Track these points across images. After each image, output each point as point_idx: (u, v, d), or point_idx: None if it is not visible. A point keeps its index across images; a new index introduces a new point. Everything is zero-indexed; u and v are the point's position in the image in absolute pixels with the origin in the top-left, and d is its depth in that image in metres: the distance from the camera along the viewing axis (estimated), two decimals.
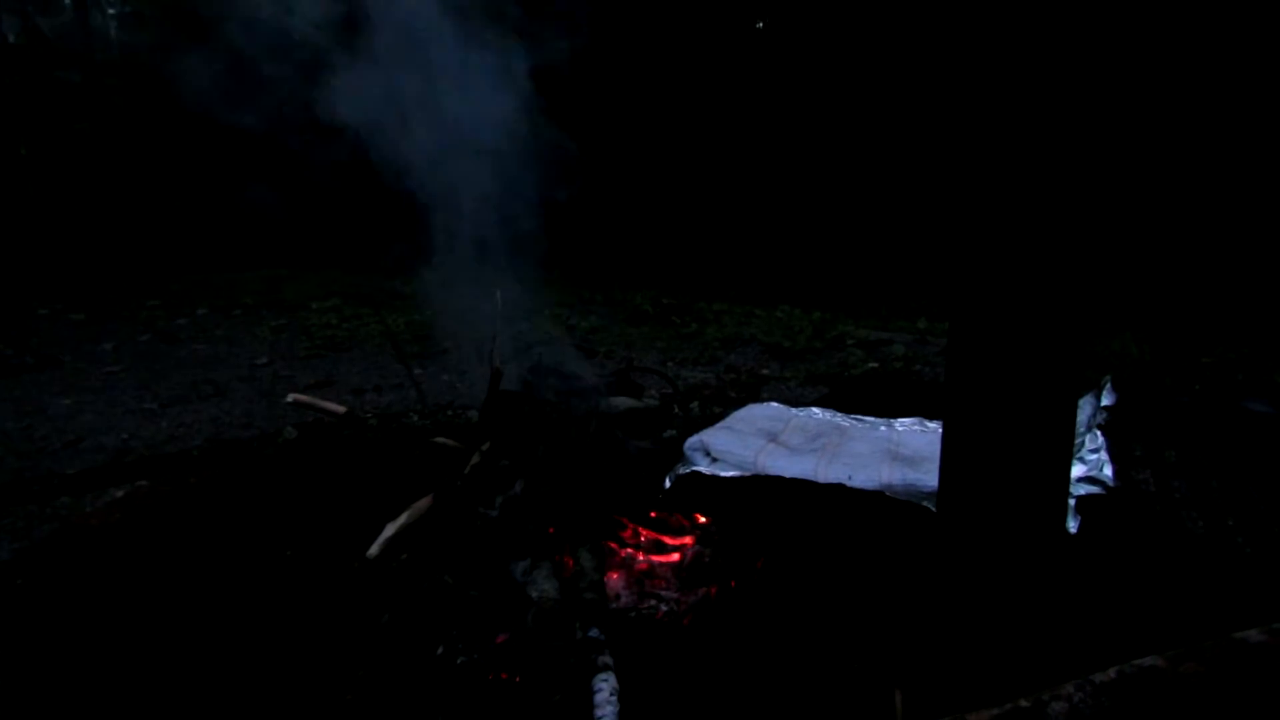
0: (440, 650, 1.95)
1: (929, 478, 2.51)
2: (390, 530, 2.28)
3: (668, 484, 2.61)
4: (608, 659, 1.84)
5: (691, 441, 2.80)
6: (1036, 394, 1.53)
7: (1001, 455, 1.57)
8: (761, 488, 2.53)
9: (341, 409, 2.70)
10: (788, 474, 2.56)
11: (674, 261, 9.47)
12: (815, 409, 3.40)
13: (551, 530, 2.32)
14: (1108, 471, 2.42)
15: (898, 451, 2.87)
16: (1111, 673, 1.43)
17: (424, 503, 2.37)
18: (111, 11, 13.62)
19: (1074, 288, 1.49)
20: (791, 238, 9.46)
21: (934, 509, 2.29)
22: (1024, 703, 1.33)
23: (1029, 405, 1.54)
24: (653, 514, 2.51)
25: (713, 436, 2.85)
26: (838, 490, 2.48)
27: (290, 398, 2.59)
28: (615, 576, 2.28)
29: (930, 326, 6.64)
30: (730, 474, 2.56)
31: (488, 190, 2.95)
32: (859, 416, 3.33)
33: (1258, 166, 6.72)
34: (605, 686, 1.75)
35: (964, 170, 1.53)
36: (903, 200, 8.69)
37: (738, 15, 9.97)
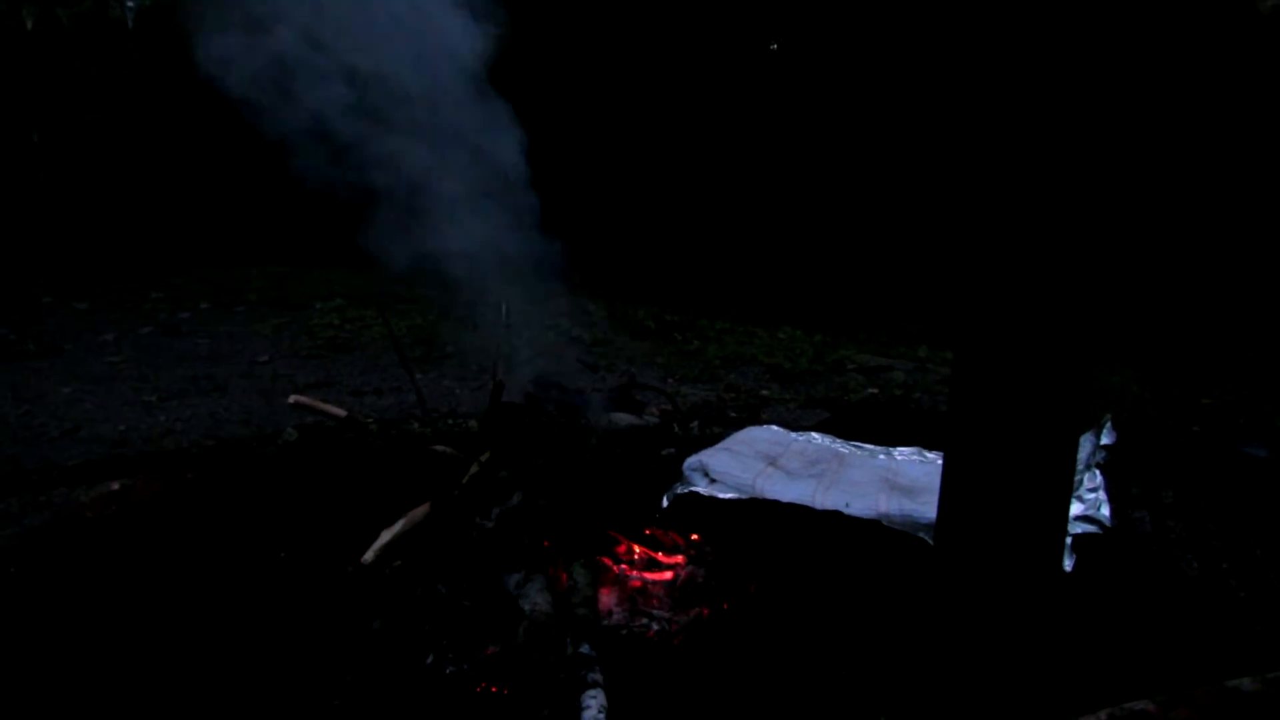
0: (430, 659, 1.95)
1: (926, 508, 2.50)
2: (386, 537, 2.29)
3: (665, 503, 2.61)
4: (597, 675, 1.84)
5: (690, 461, 2.80)
6: (1040, 430, 1.54)
7: (1002, 490, 1.57)
8: (758, 511, 2.53)
9: (342, 412, 2.70)
10: (785, 498, 2.56)
11: (677, 278, 9.49)
12: (815, 434, 3.40)
13: (546, 544, 2.32)
14: (1105, 511, 2.42)
15: (895, 481, 2.87)
16: (1102, 715, 1.43)
17: (421, 510, 2.38)
18: (130, 4, 13.69)
19: (1082, 324, 1.50)
20: (795, 260, 9.48)
21: (930, 540, 2.30)
22: None
23: (1032, 441, 1.54)
24: (648, 532, 2.51)
25: (712, 457, 2.84)
26: (834, 517, 2.47)
27: (291, 399, 2.59)
28: (608, 593, 2.28)
29: (931, 354, 6.64)
30: (728, 496, 2.56)
31: (495, 199, 2.95)
32: (858, 444, 3.32)
33: (1264, 210, 6.75)
34: (594, 703, 1.75)
35: (974, 203, 1.54)
36: (908, 227, 8.72)
37: (747, 35, 10.03)
